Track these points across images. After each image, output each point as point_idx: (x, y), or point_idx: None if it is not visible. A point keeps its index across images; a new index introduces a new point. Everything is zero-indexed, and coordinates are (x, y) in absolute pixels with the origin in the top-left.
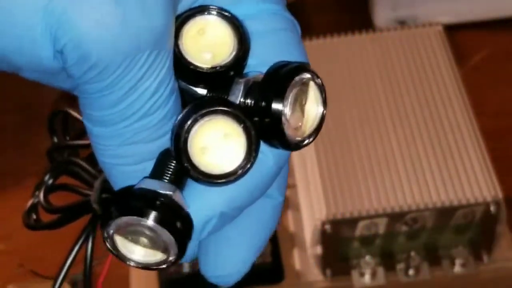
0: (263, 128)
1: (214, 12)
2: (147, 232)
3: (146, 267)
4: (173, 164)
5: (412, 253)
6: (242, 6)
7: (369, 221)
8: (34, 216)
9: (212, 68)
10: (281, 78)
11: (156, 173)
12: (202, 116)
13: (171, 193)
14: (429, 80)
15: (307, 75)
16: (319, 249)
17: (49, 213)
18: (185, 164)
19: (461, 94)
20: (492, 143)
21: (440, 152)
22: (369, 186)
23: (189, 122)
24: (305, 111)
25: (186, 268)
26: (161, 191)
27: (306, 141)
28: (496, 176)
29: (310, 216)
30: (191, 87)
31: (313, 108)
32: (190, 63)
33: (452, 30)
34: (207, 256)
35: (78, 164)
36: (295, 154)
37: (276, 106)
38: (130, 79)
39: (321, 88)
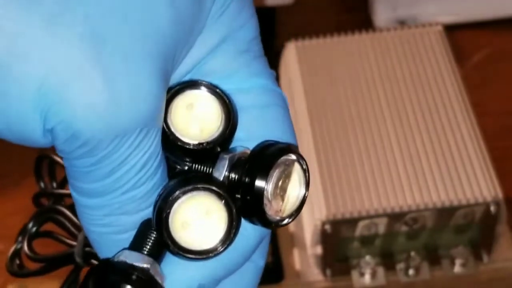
0: (244, 206)
1: (204, 87)
2: None
3: None
4: (153, 236)
5: (412, 253)
6: (233, 80)
7: (369, 221)
8: (18, 262)
9: (199, 144)
10: (267, 157)
11: (136, 244)
12: (185, 192)
13: (148, 266)
14: (429, 80)
15: (293, 157)
16: (319, 249)
17: (32, 261)
18: (165, 239)
19: (461, 94)
20: (492, 143)
21: (440, 152)
22: (369, 186)
23: (171, 198)
24: (287, 191)
25: None
26: (138, 265)
27: (286, 221)
28: (496, 176)
29: (310, 216)
30: (177, 160)
31: (296, 189)
32: (178, 139)
33: (452, 30)
34: None
35: (63, 213)
36: None
37: (259, 183)
38: (119, 156)
39: (306, 171)
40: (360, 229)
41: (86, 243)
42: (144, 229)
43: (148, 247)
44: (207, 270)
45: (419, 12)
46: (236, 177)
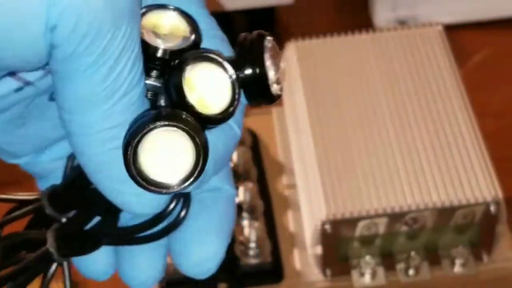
0: (249, 91)
1: (171, 7)
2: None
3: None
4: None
5: (412, 253)
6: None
7: (369, 221)
8: None
9: (166, 49)
10: (254, 47)
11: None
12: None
13: None
14: (429, 80)
15: (269, 37)
16: (319, 249)
17: (2, 284)
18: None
19: (461, 94)
20: (492, 143)
21: (440, 152)
22: (369, 186)
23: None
24: (280, 66)
25: None
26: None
27: (281, 92)
28: (496, 176)
29: (310, 216)
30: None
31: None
32: (148, 45)
33: (452, 30)
34: (180, 251)
35: (21, 234)
36: (295, 155)
37: (260, 71)
38: (114, 51)
39: (276, 45)
40: (360, 229)
41: (58, 234)
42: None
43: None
44: (222, 149)
45: (419, 12)
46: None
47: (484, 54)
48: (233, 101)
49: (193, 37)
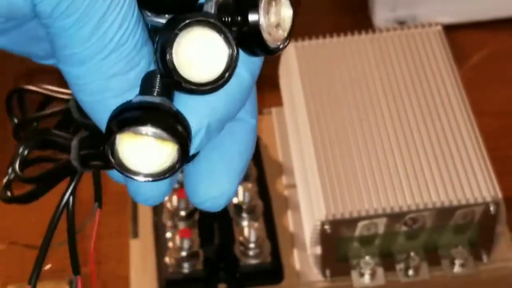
0: (242, 38)
1: None
2: (151, 141)
3: (153, 176)
4: (158, 80)
5: (412, 253)
6: None
7: (368, 221)
8: (9, 194)
9: None
10: None
11: (146, 91)
12: (182, 29)
13: (165, 103)
14: (429, 80)
15: None
16: (318, 249)
17: (27, 183)
18: (175, 77)
19: (461, 94)
20: (492, 143)
21: (439, 152)
22: (368, 186)
23: (171, 37)
24: (280, 15)
25: (185, 269)
26: (156, 101)
27: (282, 45)
28: (495, 176)
29: (310, 216)
30: (155, 19)
31: (285, 11)
32: None
33: (452, 30)
34: (193, 183)
35: (51, 133)
36: (294, 155)
37: (252, 17)
38: (98, 9)
39: None
40: (360, 229)
41: (81, 146)
42: (148, 77)
43: (156, 89)
44: (213, 108)
45: (418, 12)
46: (228, 17)
47: (483, 54)
48: (228, 68)
49: None
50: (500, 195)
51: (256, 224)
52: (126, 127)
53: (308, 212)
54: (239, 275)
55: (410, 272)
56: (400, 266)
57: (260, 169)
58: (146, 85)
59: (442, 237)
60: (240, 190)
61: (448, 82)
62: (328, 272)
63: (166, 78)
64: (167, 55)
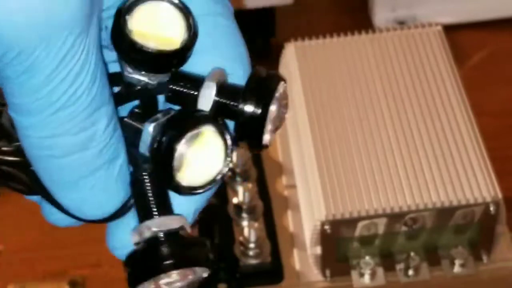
0: (240, 130)
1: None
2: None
3: None
4: (149, 188)
5: (412, 254)
6: None
7: (368, 222)
8: None
9: (158, 50)
10: (267, 84)
11: (145, 212)
12: (182, 137)
13: (181, 224)
14: (429, 80)
15: (285, 85)
16: (318, 250)
17: None
18: (175, 185)
19: (461, 94)
20: (492, 143)
21: (439, 152)
22: (368, 187)
23: (171, 147)
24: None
25: None
26: (174, 227)
27: (271, 139)
28: (495, 176)
29: (310, 217)
30: (132, 75)
31: (283, 111)
32: (136, 43)
33: (452, 30)
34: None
35: None
36: (294, 155)
37: (264, 109)
38: (50, 62)
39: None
40: (360, 229)
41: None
42: (138, 193)
43: (155, 208)
44: (201, 198)
45: (418, 13)
46: (230, 102)
47: (483, 54)
48: (226, 159)
49: (182, 41)
50: (500, 195)
51: (256, 224)
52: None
53: (308, 212)
54: (239, 275)
55: (410, 272)
56: (400, 266)
57: (260, 169)
58: (141, 205)
59: (442, 237)
60: (240, 190)
61: (448, 82)
62: (328, 272)
63: (167, 185)
64: (167, 163)
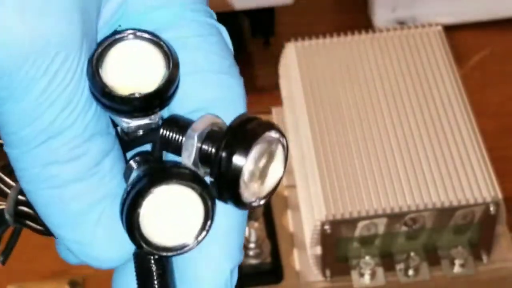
0: (218, 183)
1: (139, 38)
2: None
3: None
4: (154, 266)
5: (412, 254)
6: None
7: (368, 222)
8: None
9: (131, 94)
10: (248, 132)
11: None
12: (154, 187)
13: None
14: (429, 80)
15: (276, 135)
16: (318, 250)
17: None
18: (138, 241)
19: (461, 94)
20: (492, 143)
21: (439, 153)
22: (368, 187)
23: (140, 195)
24: (268, 171)
25: None
26: None
27: (258, 203)
28: (495, 177)
29: (310, 217)
30: (115, 117)
31: (276, 169)
32: (109, 90)
33: (452, 30)
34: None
35: None
36: (294, 155)
37: (237, 160)
38: (36, 84)
39: (286, 151)
40: (360, 229)
41: (19, 201)
42: (141, 262)
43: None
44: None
45: (418, 13)
46: (211, 149)
47: (483, 54)
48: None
49: (160, 82)
50: (500, 195)
51: (256, 224)
52: None
53: (308, 212)
54: (239, 275)
55: (410, 272)
56: (400, 266)
57: None
58: (144, 280)
59: (442, 237)
60: None
61: (448, 82)
62: (328, 272)
63: (131, 238)
64: (134, 216)
